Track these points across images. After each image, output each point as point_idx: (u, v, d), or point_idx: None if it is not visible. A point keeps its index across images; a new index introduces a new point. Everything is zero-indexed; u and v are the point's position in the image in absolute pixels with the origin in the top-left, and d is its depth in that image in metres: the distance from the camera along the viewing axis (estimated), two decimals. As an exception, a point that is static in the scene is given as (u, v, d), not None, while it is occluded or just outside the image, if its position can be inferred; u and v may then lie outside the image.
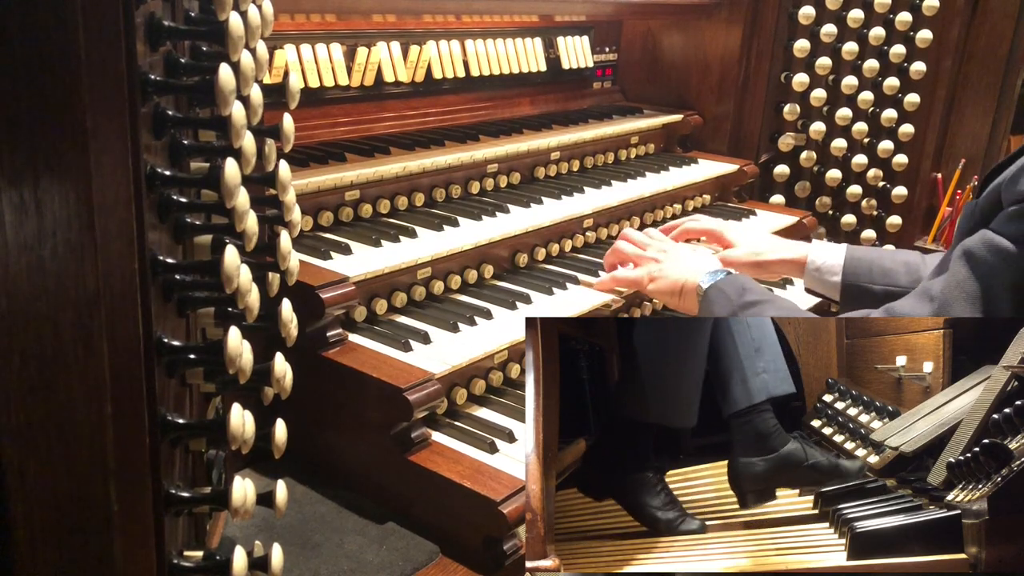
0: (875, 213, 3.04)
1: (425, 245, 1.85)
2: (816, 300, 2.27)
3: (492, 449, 1.52)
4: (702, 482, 1.58)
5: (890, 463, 1.51)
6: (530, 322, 1.27)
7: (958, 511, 1.25)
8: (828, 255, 1.91)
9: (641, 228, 2.44)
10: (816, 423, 1.73)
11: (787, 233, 2.63)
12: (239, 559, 0.88)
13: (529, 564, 1.23)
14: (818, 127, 2.94)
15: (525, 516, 1.37)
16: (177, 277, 0.88)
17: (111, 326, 0.74)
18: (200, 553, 0.94)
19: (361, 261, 1.73)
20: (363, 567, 1.40)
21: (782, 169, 3.02)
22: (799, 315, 1.58)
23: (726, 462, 1.53)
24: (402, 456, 1.48)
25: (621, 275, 1.97)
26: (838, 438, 1.66)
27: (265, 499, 0.95)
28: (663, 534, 1.39)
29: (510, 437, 1.56)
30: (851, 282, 1.86)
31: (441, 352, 1.64)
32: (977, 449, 1.25)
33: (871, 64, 2.89)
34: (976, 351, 1.47)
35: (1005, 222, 1.16)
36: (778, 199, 3.04)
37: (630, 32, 3.11)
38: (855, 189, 3.00)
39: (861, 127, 2.94)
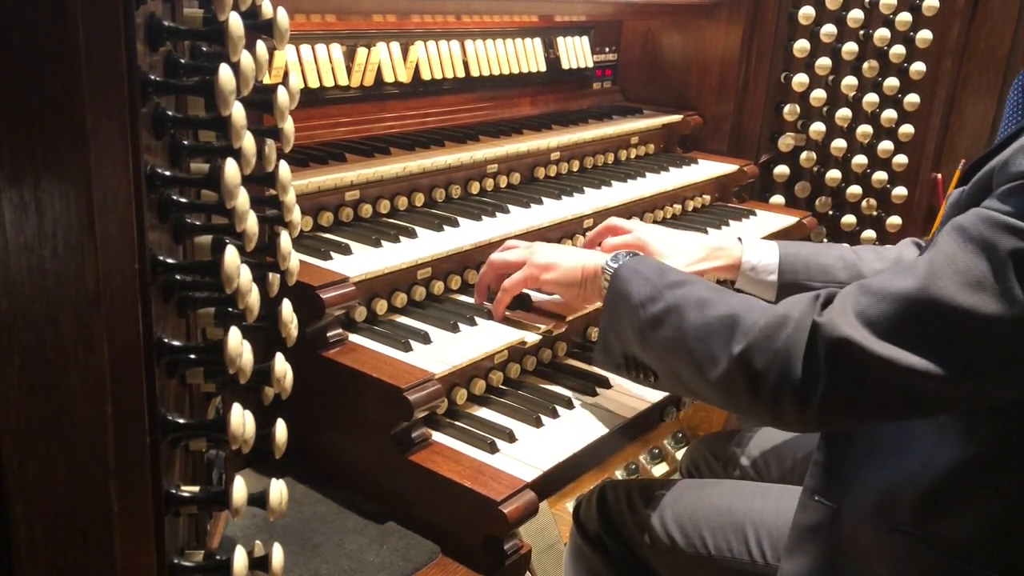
0: (875, 213, 3.04)
1: (425, 245, 1.85)
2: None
3: (492, 449, 1.52)
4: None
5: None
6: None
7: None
8: (762, 254, 1.81)
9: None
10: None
11: (787, 233, 2.64)
12: (239, 559, 0.88)
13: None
14: (818, 127, 2.94)
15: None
16: (177, 277, 0.88)
17: (111, 326, 0.74)
18: (200, 553, 0.94)
19: (361, 261, 1.73)
20: (363, 567, 1.41)
21: (782, 169, 3.02)
22: (729, 296, 1.41)
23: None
24: (402, 456, 1.48)
25: (508, 283, 1.71)
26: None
27: (257, 500, 0.94)
28: None
29: (510, 437, 1.56)
30: (789, 280, 1.77)
31: (441, 352, 1.64)
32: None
33: (871, 64, 2.89)
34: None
35: (1003, 198, 1.12)
36: (778, 199, 3.04)
37: (630, 32, 3.11)
38: (855, 189, 3.00)
39: (861, 127, 2.94)
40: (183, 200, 0.89)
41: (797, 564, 1.42)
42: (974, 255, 1.13)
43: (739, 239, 1.88)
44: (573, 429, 1.62)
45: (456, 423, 1.60)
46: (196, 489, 0.91)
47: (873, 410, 1.26)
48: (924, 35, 2.84)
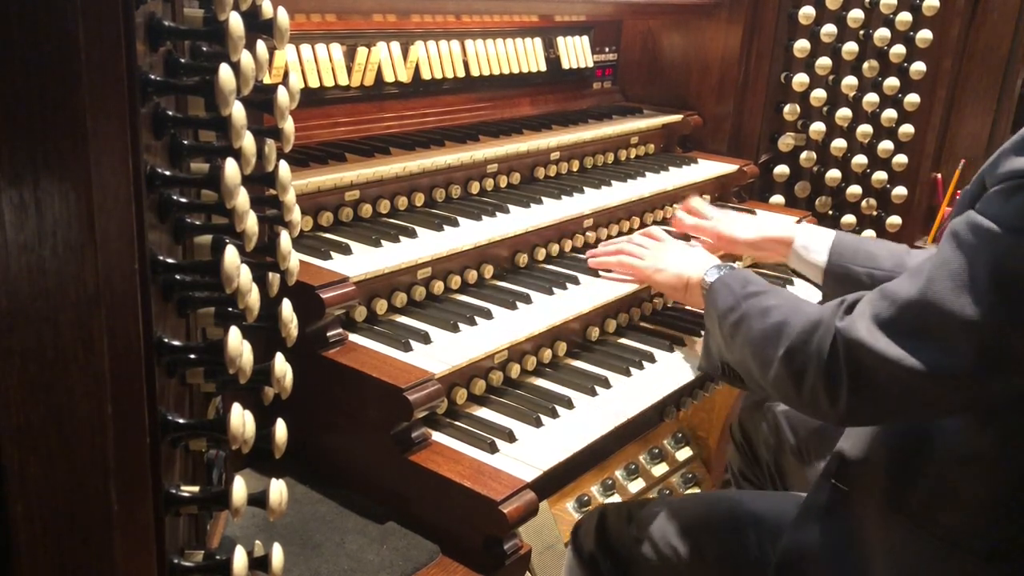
0: (875, 213, 3.04)
1: (425, 245, 1.85)
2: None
3: (492, 449, 1.52)
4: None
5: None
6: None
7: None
8: (815, 236, 1.94)
9: (641, 228, 2.45)
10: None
11: (787, 233, 2.64)
12: (239, 559, 0.88)
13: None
14: (818, 127, 2.94)
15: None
16: (177, 277, 0.88)
17: (111, 326, 0.74)
18: (200, 553, 0.94)
19: (361, 261, 1.73)
20: (363, 567, 1.41)
21: (782, 169, 3.02)
22: (790, 303, 1.55)
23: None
24: (402, 456, 1.48)
25: (627, 260, 2.02)
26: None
27: (257, 500, 0.94)
28: None
29: (510, 437, 1.56)
30: (835, 262, 1.87)
31: (441, 352, 1.64)
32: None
33: (871, 64, 2.89)
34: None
35: (986, 203, 1.17)
36: (778, 199, 3.04)
37: (630, 32, 3.11)
38: (855, 189, 3.00)
39: (861, 127, 2.94)
40: (183, 200, 0.89)
41: (800, 535, 1.47)
42: (962, 259, 1.18)
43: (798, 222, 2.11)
44: (573, 429, 1.62)
45: (456, 423, 1.60)
46: (196, 489, 0.91)
47: (890, 408, 1.31)
48: (924, 35, 2.84)
